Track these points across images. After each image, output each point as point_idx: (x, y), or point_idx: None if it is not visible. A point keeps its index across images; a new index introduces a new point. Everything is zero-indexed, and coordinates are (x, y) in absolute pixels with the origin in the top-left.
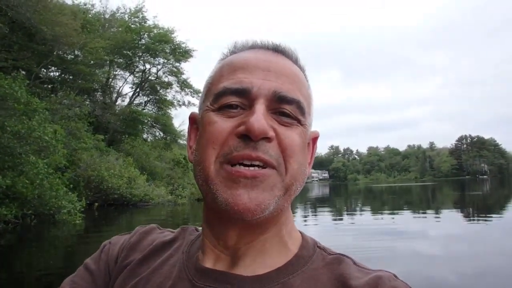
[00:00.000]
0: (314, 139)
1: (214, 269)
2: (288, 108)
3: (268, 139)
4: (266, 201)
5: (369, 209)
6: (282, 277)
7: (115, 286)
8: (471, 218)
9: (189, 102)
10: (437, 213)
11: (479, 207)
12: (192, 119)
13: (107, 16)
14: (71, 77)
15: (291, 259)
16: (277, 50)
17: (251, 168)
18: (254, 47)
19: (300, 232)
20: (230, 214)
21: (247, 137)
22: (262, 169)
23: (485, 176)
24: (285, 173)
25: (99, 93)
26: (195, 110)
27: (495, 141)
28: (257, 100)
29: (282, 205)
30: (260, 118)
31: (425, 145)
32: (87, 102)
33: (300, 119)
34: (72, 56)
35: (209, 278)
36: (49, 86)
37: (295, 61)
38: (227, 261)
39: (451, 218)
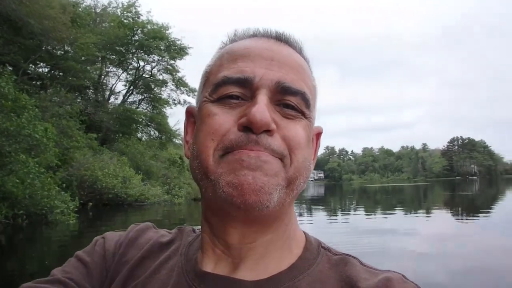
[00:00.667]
0: (318, 134)
1: (214, 273)
2: (293, 100)
3: (269, 132)
4: (270, 184)
5: (362, 208)
6: (287, 281)
7: (115, 285)
8: (460, 218)
9: (184, 101)
10: (428, 212)
11: (469, 207)
12: (189, 112)
13: (98, 10)
14: (61, 73)
15: (295, 261)
16: (280, 38)
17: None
18: (256, 35)
19: (304, 233)
20: (233, 197)
21: (249, 129)
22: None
23: (474, 177)
24: (289, 165)
25: (91, 90)
26: None
27: (485, 143)
28: (259, 91)
29: (284, 199)
30: (262, 109)
31: (418, 146)
32: (78, 100)
33: (304, 111)
34: (62, 52)
35: (209, 284)
36: (38, 83)
37: (299, 51)
38: (228, 264)
39: (442, 217)
